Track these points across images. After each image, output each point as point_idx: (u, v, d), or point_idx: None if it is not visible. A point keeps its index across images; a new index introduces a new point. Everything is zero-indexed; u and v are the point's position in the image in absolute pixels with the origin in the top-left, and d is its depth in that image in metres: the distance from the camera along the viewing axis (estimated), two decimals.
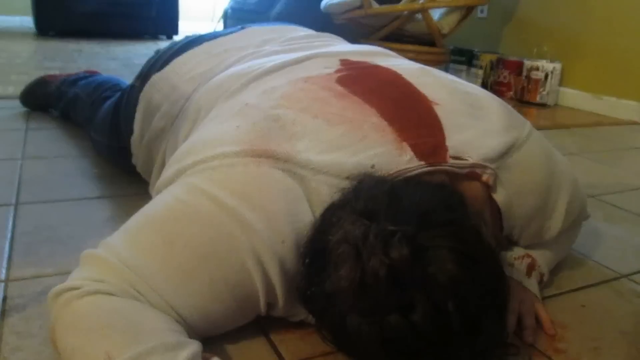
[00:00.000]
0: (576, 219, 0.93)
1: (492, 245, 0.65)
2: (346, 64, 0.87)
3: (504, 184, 0.76)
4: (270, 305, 0.70)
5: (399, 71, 0.83)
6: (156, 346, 0.57)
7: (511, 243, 0.88)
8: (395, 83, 0.81)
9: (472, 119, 0.77)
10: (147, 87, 1.06)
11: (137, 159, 1.13)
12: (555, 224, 0.84)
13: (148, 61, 1.13)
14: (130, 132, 1.10)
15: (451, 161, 0.72)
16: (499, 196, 0.77)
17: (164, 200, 0.70)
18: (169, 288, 0.63)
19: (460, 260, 0.58)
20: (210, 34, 1.11)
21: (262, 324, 0.75)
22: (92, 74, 1.70)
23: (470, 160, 0.73)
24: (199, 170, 0.69)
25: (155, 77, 1.05)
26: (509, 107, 0.84)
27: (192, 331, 0.65)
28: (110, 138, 1.24)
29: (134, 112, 1.09)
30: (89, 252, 0.67)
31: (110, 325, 0.59)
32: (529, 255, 0.87)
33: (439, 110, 0.76)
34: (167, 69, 1.04)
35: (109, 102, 1.31)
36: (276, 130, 0.71)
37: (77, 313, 0.61)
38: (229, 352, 0.71)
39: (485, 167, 0.74)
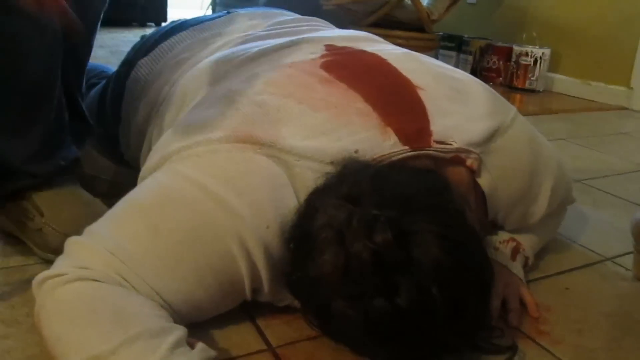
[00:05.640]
0: (561, 203, 0.94)
1: (477, 229, 0.65)
2: (331, 49, 0.87)
3: (488, 169, 0.76)
4: (256, 290, 0.70)
5: (384, 56, 0.83)
6: (141, 332, 0.57)
7: (496, 227, 0.89)
8: (380, 68, 0.80)
9: (457, 104, 0.78)
10: (133, 74, 1.05)
11: (126, 147, 1.12)
12: (539, 208, 0.84)
13: (133, 47, 1.12)
14: (118, 120, 1.09)
15: (435, 146, 0.72)
16: (484, 181, 0.77)
17: (149, 186, 0.70)
18: (154, 274, 0.64)
19: (444, 244, 0.59)
20: (195, 18, 1.10)
21: (248, 309, 0.76)
22: None
23: (455, 145, 0.73)
24: (183, 156, 0.69)
25: (141, 63, 1.04)
26: (494, 92, 0.84)
27: (178, 317, 0.65)
28: (97, 126, 1.23)
29: (121, 99, 1.08)
30: (73, 240, 0.67)
31: (94, 312, 0.59)
32: (513, 240, 0.88)
33: (424, 96, 0.76)
34: (153, 54, 1.03)
35: (94, 90, 1.30)
36: (260, 116, 0.70)
37: (61, 300, 0.61)
38: (215, 337, 0.72)
39: (469, 151, 0.74)
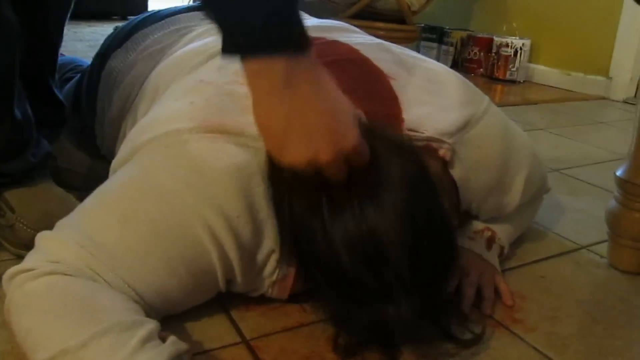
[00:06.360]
0: (536, 193, 0.94)
1: (443, 201, 0.66)
2: None
3: (461, 159, 0.77)
4: (229, 281, 0.70)
5: (356, 46, 0.82)
6: (111, 326, 0.56)
7: (471, 217, 0.89)
8: (352, 58, 0.80)
9: (430, 94, 0.78)
10: (107, 65, 1.04)
11: (102, 140, 1.11)
12: (513, 198, 0.85)
13: (107, 38, 1.10)
14: (93, 112, 1.08)
15: (407, 133, 0.72)
16: (456, 171, 0.77)
17: (119, 179, 0.69)
18: (125, 266, 0.63)
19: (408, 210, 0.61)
20: (169, 9, 1.08)
21: (222, 301, 0.76)
22: None
23: (426, 134, 0.73)
24: (153, 148, 0.69)
25: (114, 55, 1.03)
26: (468, 82, 0.84)
27: (152, 310, 0.65)
28: (72, 119, 1.22)
29: (96, 91, 1.07)
30: (43, 234, 0.67)
31: (65, 306, 0.59)
32: (489, 229, 0.89)
33: (396, 85, 0.76)
34: (126, 45, 1.02)
35: (70, 84, 1.28)
36: (230, 105, 0.70)
37: (31, 294, 0.60)
38: (188, 329, 0.71)
39: (442, 141, 0.74)
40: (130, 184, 0.67)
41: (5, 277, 0.63)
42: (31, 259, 0.64)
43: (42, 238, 0.66)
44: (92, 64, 1.11)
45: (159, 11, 1.07)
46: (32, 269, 0.62)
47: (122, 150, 0.74)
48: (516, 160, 0.83)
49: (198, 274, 0.66)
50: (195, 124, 0.68)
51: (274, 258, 0.69)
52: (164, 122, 0.70)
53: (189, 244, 0.64)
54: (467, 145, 0.76)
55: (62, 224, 0.67)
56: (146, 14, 1.08)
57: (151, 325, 0.59)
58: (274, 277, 0.71)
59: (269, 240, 0.68)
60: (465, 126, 0.76)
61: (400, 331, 0.65)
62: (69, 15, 0.94)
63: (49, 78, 0.96)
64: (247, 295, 0.74)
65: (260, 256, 0.68)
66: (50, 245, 0.65)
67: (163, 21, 1.03)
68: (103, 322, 0.57)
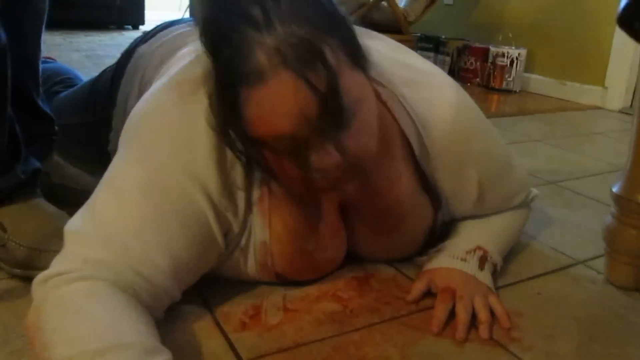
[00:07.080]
0: (519, 197, 0.95)
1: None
2: None
3: (409, 114, 0.79)
4: (226, 236, 0.74)
5: None
6: (134, 343, 0.58)
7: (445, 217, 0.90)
8: None
9: (384, 48, 0.81)
10: (133, 60, 1.09)
11: (116, 133, 1.12)
12: (473, 175, 0.85)
13: (134, 40, 1.16)
14: (113, 104, 1.11)
15: None
16: (406, 125, 0.80)
17: (113, 163, 0.74)
18: (133, 240, 0.66)
19: None
20: None
21: (218, 321, 0.76)
22: (46, 60, 1.65)
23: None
24: (138, 121, 0.73)
25: (140, 49, 1.09)
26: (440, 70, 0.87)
27: (171, 282, 0.69)
28: (85, 116, 1.22)
29: (119, 84, 1.10)
30: (68, 231, 0.69)
31: (97, 311, 0.61)
32: (480, 248, 0.88)
33: None
34: (151, 41, 1.08)
35: (63, 93, 1.29)
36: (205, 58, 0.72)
37: (66, 296, 0.63)
38: (185, 350, 0.71)
39: (382, 85, 0.77)
40: (119, 163, 0.72)
41: (38, 280, 0.65)
42: (62, 262, 0.66)
43: (68, 237, 0.69)
44: (119, 60, 1.16)
45: (185, 18, 1.15)
46: (66, 272, 0.64)
47: (119, 139, 0.77)
48: (481, 146, 0.85)
49: (192, 226, 0.69)
50: (173, 92, 0.72)
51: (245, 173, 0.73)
52: (148, 98, 0.75)
53: (175, 195, 0.68)
54: (419, 104, 0.79)
55: (78, 216, 0.70)
56: (174, 19, 1.15)
57: (167, 356, 0.60)
58: (254, 195, 0.75)
59: (239, 172, 0.72)
60: (412, 83, 0.79)
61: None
62: (44, 28, 0.95)
63: (32, 92, 0.96)
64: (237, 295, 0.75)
65: (237, 181, 0.73)
66: (74, 246, 0.68)
67: (187, 22, 1.10)
68: (127, 337, 0.59)
